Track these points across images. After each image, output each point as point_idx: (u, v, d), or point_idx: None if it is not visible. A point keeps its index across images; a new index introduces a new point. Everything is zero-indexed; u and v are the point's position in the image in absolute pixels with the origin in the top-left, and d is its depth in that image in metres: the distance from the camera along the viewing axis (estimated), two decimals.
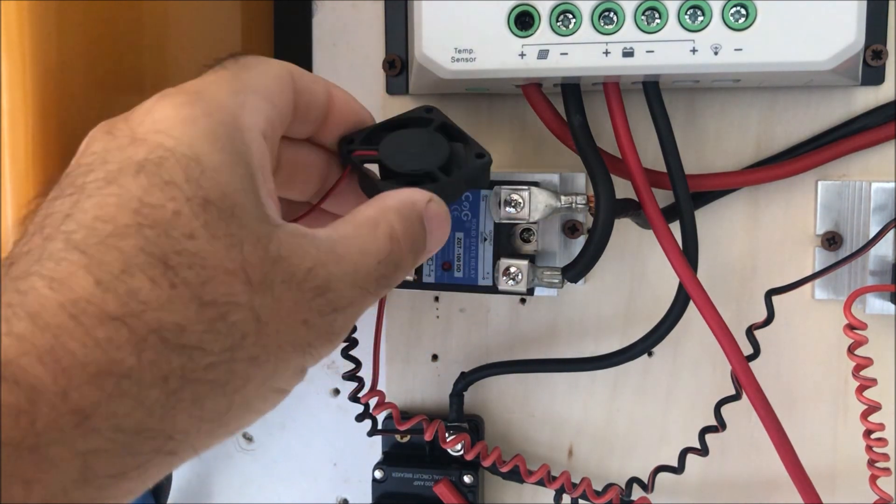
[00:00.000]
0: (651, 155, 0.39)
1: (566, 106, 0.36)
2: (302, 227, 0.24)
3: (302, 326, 0.23)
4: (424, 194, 0.28)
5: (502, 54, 0.33)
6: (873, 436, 0.37)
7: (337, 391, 0.47)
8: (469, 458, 0.39)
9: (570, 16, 0.33)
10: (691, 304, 0.36)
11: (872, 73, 0.38)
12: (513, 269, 0.37)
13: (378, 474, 0.43)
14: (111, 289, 0.20)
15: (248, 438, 0.48)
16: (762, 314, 0.37)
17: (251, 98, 0.25)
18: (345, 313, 0.24)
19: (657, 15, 0.32)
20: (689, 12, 0.32)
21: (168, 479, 0.45)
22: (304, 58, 0.46)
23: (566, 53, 0.33)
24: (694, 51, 0.32)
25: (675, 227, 0.36)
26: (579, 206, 0.36)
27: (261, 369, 0.23)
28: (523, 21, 0.33)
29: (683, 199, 0.36)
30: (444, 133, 0.31)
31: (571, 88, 0.36)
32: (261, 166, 0.24)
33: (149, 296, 0.20)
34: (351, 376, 0.36)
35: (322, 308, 0.24)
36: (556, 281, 0.37)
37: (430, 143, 0.30)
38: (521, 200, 0.36)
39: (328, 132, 0.30)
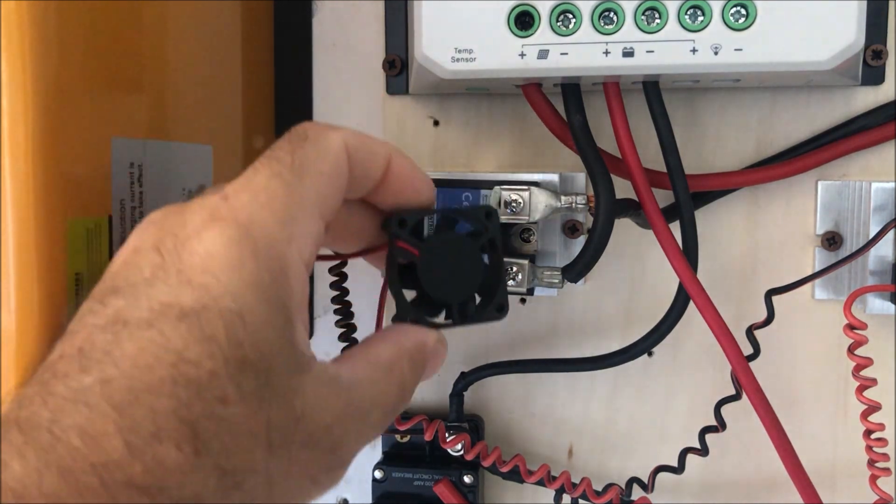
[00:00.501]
0: (651, 155, 0.39)
1: (566, 106, 0.36)
2: (329, 368, 0.25)
3: (309, 483, 0.24)
4: (434, 335, 0.29)
5: (502, 54, 0.33)
6: (873, 436, 0.37)
7: None
8: (469, 458, 0.39)
9: (570, 16, 0.33)
10: (691, 304, 0.36)
11: (872, 73, 0.38)
12: (513, 269, 0.37)
13: (378, 474, 0.43)
14: (139, 455, 0.20)
15: None
16: (762, 314, 0.37)
17: (302, 221, 0.25)
18: (347, 466, 0.25)
19: (657, 15, 0.32)
20: (689, 12, 0.32)
21: None
22: (304, 58, 0.46)
23: (566, 53, 0.33)
24: (694, 51, 0.32)
25: (675, 227, 0.36)
26: (579, 206, 0.36)
27: None
28: (523, 21, 0.33)
29: (683, 199, 0.36)
30: (488, 246, 0.31)
31: (571, 88, 0.36)
32: (299, 305, 0.25)
33: (174, 464, 0.21)
34: None
35: (331, 465, 0.24)
36: (556, 281, 0.37)
37: (468, 268, 0.30)
38: (521, 200, 0.36)
39: (380, 196, 0.29)
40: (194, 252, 0.23)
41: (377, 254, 0.31)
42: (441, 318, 0.30)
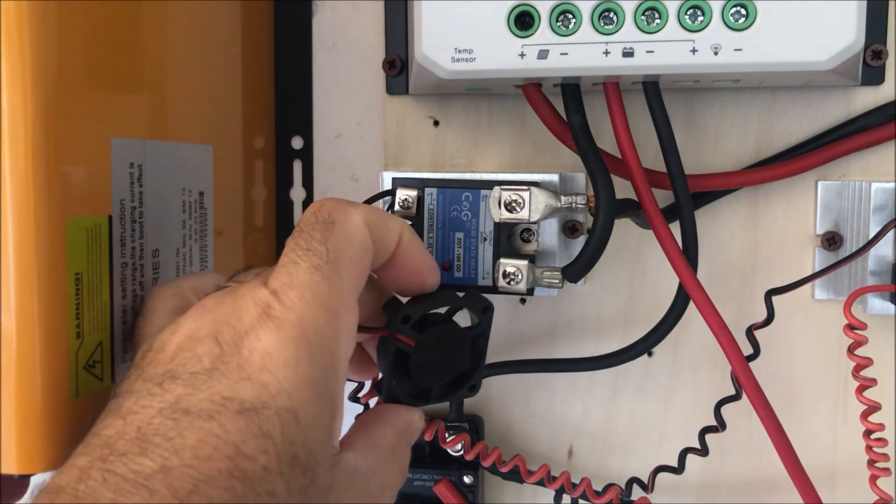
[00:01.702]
0: (651, 155, 0.39)
1: (566, 106, 0.36)
2: (351, 459, 0.27)
3: None
4: (418, 413, 0.32)
5: (502, 54, 0.33)
6: (873, 436, 0.37)
7: None
8: (469, 458, 0.39)
9: (570, 16, 0.33)
10: (691, 304, 0.36)
11: (872, 73, 0.38)
12: (513, 270, 0.37)
13: None
14: None
15: None
16: (762, 314, 0.37)
17: (345, 315, 0.26)
18: None
19: (657, 15, 0.32)
20: (689, 12, 0.32)
21: None
22: (304, 58, 0.46)
23: (566, 53, 0.33)
24: (694, 51, 0.32)
25: (675, 227, 0.36)
26: (579, 206, 0.36)
27: None
28: (523, 21, 0.33)
29: (683, 199, 0.36)
30: (477, 336, 0.34)
31: (571, 88, 0.36)
32: (342, 395, 0.27)
33: None
34: None
35: None
36: (556, 281, 0.37)
37: (455, 355, 0.33)
38: (521, 200, 0.36)
39: (385, 271, 0.31)
40: (253, 349, 0.24)
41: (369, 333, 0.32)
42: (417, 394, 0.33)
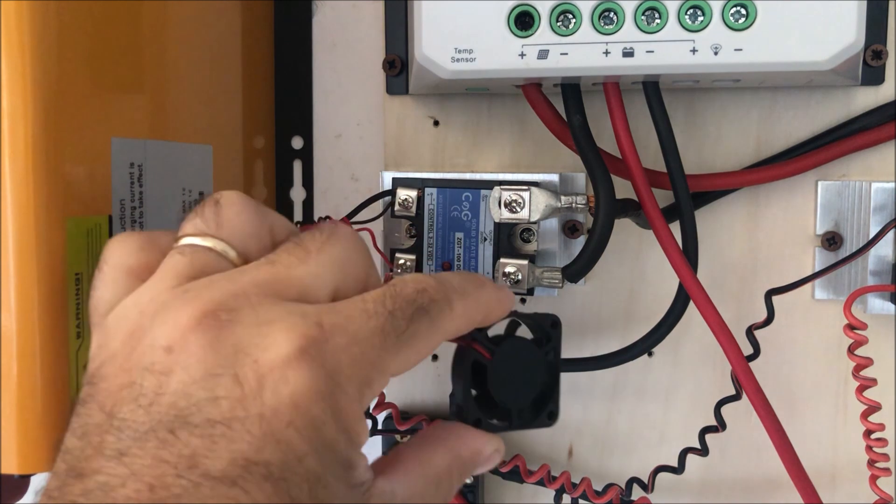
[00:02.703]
0: (651, 155, 0.39)
1: (566, 106, 0.36)
2: (385, 489, 0.25)
3: None
4: (493, 444, 0.29)
5: (502, 54, 0.33)
6: (873, 436, 0.37)
7: None
8: None
9: (570, 16, 0.33)
10: (691, 304, 0.36)
11: (872, 73, 0.38)
12: (513, 270, 0.37)
13: None
14: None
15: None
16: (762, 314, 0.37)
17: (376, 384, 0.25)
18: None
19: (657, 15, 0.32)
20: (689, 12, 0.32)
21: None
22: (304, 58, 0.46)
23: (566, 53, 0.33)
24: (694, 51, 0.32)
25: (675, 227, 0.36)
26: (579, 206, 0.36)
27: None
28: (523, 21, 0.33)
29: (683, 199, 0.36)
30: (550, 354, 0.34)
31: (571, 88, 0.36)
32: (362, 455, 0.25)
33: None
34: None
35: None
36: (556, 281, 0.37)
37: (531, 375, 0.33)
38: (521, 201, 0.36)
39: None
40: (280, 394, 0.22)
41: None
42: (495, 420, 0.32)
